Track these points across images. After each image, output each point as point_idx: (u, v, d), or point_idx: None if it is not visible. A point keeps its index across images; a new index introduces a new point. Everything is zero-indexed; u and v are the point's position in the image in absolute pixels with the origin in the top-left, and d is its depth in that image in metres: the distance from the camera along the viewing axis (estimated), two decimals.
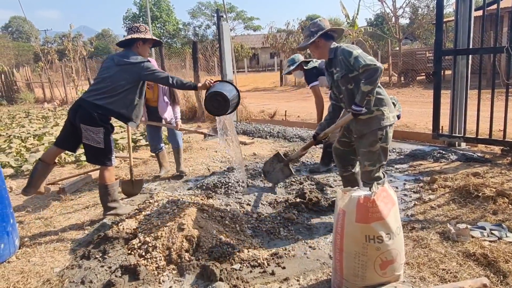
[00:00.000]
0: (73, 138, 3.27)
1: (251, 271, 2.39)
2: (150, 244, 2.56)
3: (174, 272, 2.40)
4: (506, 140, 4.59)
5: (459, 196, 3.38)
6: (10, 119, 11.42)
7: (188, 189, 4.11)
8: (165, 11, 45.28)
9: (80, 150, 3.79)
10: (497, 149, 4.83)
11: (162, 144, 4.70)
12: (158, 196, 3.59)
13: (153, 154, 5.71)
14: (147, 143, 6.53)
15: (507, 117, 4.47)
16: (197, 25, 50.60)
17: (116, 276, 2.33)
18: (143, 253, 2.52)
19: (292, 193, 3.76)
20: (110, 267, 2.48)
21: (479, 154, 4.69)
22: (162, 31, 44.75)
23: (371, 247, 1.92)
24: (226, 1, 9.14)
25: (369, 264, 1.94)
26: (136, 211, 3.35)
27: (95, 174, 4.81)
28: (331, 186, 3.96)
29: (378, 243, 1.92)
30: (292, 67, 4.52)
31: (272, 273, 2.35)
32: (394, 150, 5.20)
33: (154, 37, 3.36)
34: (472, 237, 2.61)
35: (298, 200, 3.47)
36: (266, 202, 3.62)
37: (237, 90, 3.37)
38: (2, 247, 2.66)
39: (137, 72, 3.17)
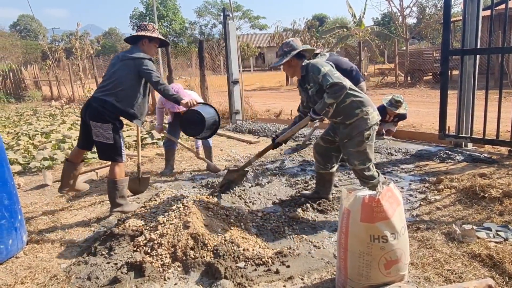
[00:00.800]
0: (87, 137, 3.34)
1: (255, 269, 2.40)
2: (155, 242, 2.58)
3: (179, 269, 2.41)
4: None
5: (465, 197, 3.37)
6: (18, 116, 11.55)
7: (194, 188, 4.13)
8: (172, 10, 45.40)
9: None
10: (504, 150, 4.79)
11: (176, 145, 4.80)
12: (164, 194, 3.61)
13: (159, 152, 5.76)
14: (153, 141, 6.59)
15: None
16: (204, 24, 50.87)
17: (122, 272, 2.35)
18: (149, 250, 2.54)
19: (298, 191, 3.77)
20: (116, 264, 2.50)
21: (486, 155, 4.66)
22: (168, 29, 44.88)
23: (376, 247, 1.92)
24: (232, 0, 9.15)
25: (374, 264, 1.94)
26: (142, 208, 3.38)
27: (101, 172, 4.85)
28: (336, 186, 3.96)
29: (382, 242, 1.92)
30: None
31: (277, 272, 2.36)
32: (400, 150, 5.19)
33: (160, 37, 3.38)
34: (478, 238, 2.60)
35: (303, 199, 3.48)
36: (271, 201, 3.63)
37: (218, 116, 3.53)
38: (10, 242, 2.70)
39: (136, 67, 3.21)
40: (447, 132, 5.13)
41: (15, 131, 8.29)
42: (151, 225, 2.84)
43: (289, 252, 2.58)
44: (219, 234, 2.65)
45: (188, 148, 4.73)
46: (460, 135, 5.03)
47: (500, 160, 4.45)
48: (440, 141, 5.31)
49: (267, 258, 2.47)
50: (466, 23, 4.79)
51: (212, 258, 2.44)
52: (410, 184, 3.93)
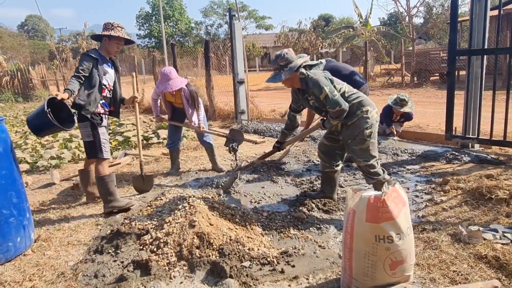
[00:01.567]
0: None
1: (260, 269, 2.41)
2: (161, 240, 2.60)
3: (185, 268, 2.43)
4: None
5: (471, 198, 3.35)
6: (26, 115, 11.65)
7: (199, 187, 4.15)
8: (178, 10, 45.51)
9: None
10: (511, 151, 4.75)
11: (180, 143, 4.81)
12: (169, 193, 3.64)
13: (165, 152, 5.79)
14: (159, 141, 6.61)
15: None
16: (209, 24, 50.86)
17: (128, 270, 2.37)
18: (155, 249, 2.56)
19: (303, 191, 3.77)
20: (122, 262, 2.53)
21: (492, 156, 4.62)
22: (174, 29, 45.02)
23: (381, 247, 1.92)
24: (238, 0, 9.17)
25: (379, 264, 1.94)
26: (148, 207, 3.40)
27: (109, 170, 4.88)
28: (341, 186, 3.95)
29: (388, 243, 1.92)
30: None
31: (282, 271, 2.37)
32: (406, 151, 5.16)
33: (119, 35, 3.38)
34: (484, 239, 2.58)
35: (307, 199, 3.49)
36: (276, 200, 3.64)
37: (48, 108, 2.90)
38: (18, 240, 2.74)
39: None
40: (453, 132, 5.10)
41: (23, 130, 8.38)
42: (157, 224, 2.86)
43: (294, 252, 2.59)
44: (225, 234, 2.66)
45: (191, 126, 4.59)
46: (467, 136, 4.99)
47: (507, 161, 4.41)
48: (446, 142, 5.28)
49: (272, 258, 2.48)
50: (473, 23, 4.76)
51: (217, 257, 2.45)
52: (416, 185, 3.91)
